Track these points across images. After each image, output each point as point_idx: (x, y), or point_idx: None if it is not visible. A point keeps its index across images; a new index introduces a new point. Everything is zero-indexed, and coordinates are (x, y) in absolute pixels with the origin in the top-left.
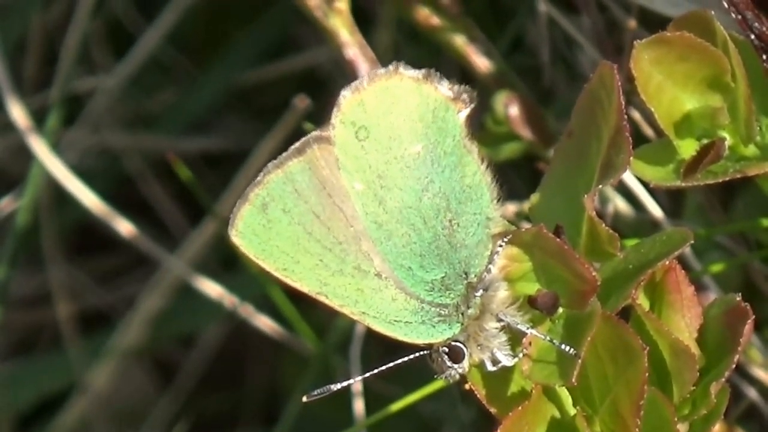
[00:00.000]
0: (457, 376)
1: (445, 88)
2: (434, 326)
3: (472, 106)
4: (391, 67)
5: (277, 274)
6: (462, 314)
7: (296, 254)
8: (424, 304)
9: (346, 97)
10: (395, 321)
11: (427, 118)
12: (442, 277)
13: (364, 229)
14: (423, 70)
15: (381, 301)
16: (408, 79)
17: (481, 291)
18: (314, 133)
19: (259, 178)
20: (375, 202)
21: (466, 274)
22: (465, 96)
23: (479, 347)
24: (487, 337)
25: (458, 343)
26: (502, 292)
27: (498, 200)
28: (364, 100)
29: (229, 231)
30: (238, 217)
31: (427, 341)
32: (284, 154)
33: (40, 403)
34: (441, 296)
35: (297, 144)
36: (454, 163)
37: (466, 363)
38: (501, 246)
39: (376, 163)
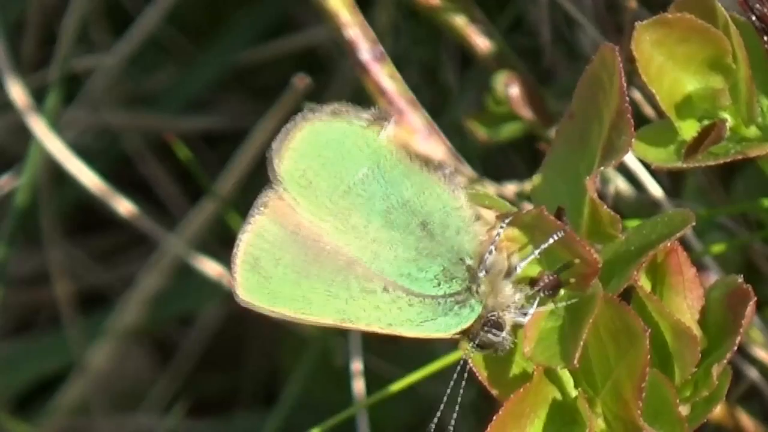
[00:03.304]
0: (510, 344)
1: (356, 119)
2: (458, 314)
3: (391, 120)
4: (298, 117)
5: (296, 317)
6: (477, 293)
7: (304, 295)
8: (437, 299)
9: (277, 154)
10: (422, 323)
11: (354, 149)
12: (442, 270)
13: (351, 256)
14: (331, 107)
15: (399, 311)
16: (319, 123)
17: (483, 272)
18: (267, 190)
19: (237, 241)
20: (348, 231)
21: (462, 260)
22: (378, 116)
23: (504, 312)
24: (507, 300)
25: (492, 314)
26: (503, 263)
27: (455, 187)
28: (293, 152)
29: (235, 297)
30: (237, 282)
31: (459, 330)
32: (250, 212)
33: (38, 383)
34: (449, 287)
35: (259, 198)
36: (402, 174)
37: (508, 327)
38: (502, 227)
39: (333, 198)
